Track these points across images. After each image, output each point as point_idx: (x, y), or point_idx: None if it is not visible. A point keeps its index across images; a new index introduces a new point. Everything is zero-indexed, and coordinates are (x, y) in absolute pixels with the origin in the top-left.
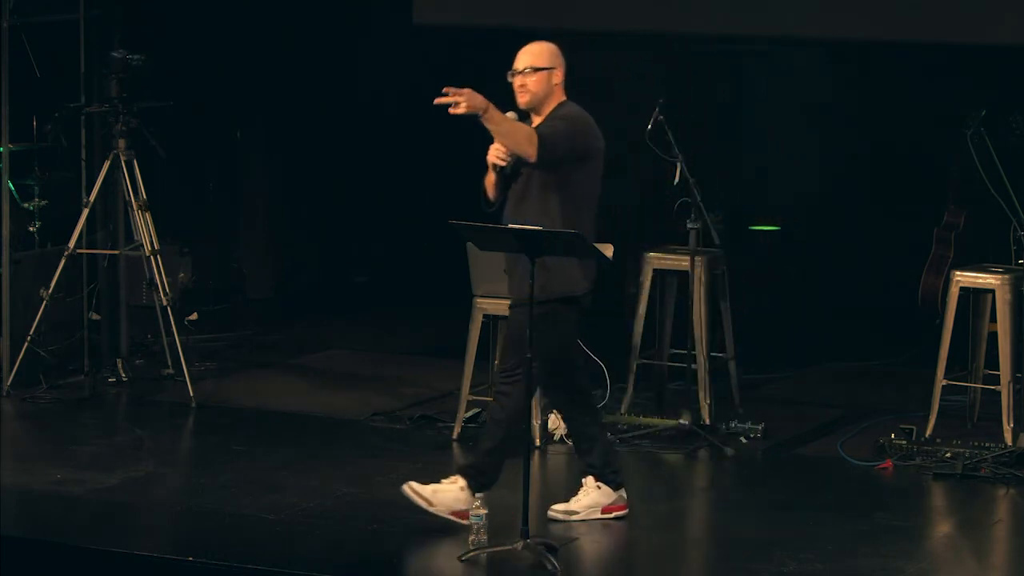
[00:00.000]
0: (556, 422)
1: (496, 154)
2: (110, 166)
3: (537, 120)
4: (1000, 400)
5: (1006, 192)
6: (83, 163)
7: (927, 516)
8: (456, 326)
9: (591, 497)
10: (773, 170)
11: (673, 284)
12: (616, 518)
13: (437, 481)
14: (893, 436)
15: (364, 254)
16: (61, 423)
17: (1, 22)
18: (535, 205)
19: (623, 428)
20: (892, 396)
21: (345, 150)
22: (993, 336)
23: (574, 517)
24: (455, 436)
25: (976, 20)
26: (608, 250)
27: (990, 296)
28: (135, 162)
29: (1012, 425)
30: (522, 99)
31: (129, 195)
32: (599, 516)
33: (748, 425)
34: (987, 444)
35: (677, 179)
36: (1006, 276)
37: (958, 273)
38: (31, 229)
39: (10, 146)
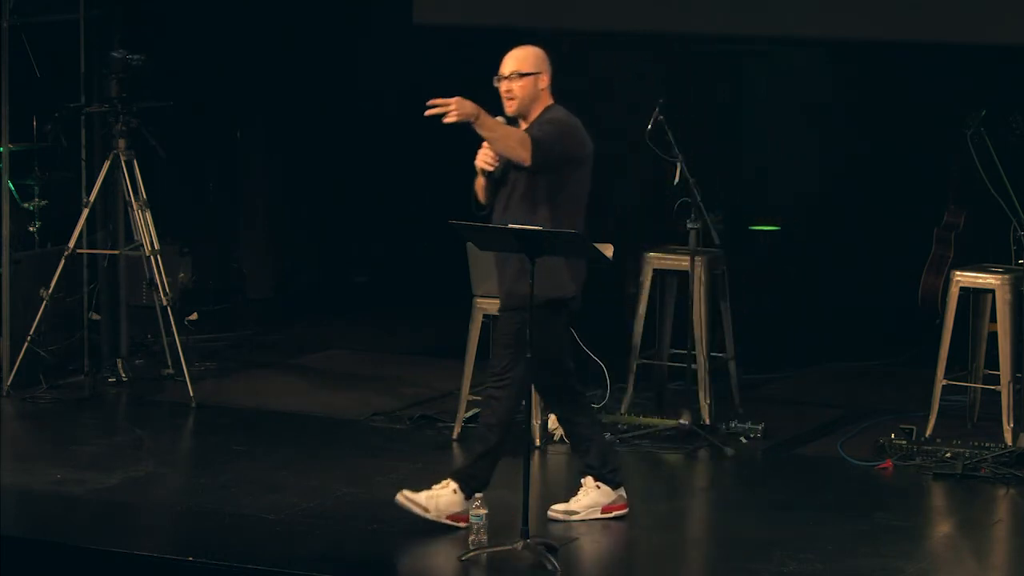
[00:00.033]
0: (556, 422)
1: (485, 159)
2: (110, 166)
3: (524, 125)
4: (1000, 400)
5: (1006, 192)
6: (83, 163)
7: (927, 516)
8: (456, 326)
9: (591, 497)
10: (773, 170)
11: (673, 284)
12: (616, 517)
13: (429, 487)
14: (893, 436)
15: (364, 254)
16: (61, 423)
17: (1, 22)
18: (525, 209)
19: (623, 428)
20: (892, 396)
21: (345, 150)
22: (993, 336)
23: (574, 517)
24: (455, 436)
25: (976, 20)
26: (608, 250)
27: (990, 296)
28: (135, 162)
29: (1012, 425)
30: (509, 107)
31: (129, 195)
32: (599, 516)
33: (748, 425)
34: (987, 444)
35: (677, 179)
36: (1006, 276)
37: (958, 273)
38: (31, 229)
39: (10, 146)
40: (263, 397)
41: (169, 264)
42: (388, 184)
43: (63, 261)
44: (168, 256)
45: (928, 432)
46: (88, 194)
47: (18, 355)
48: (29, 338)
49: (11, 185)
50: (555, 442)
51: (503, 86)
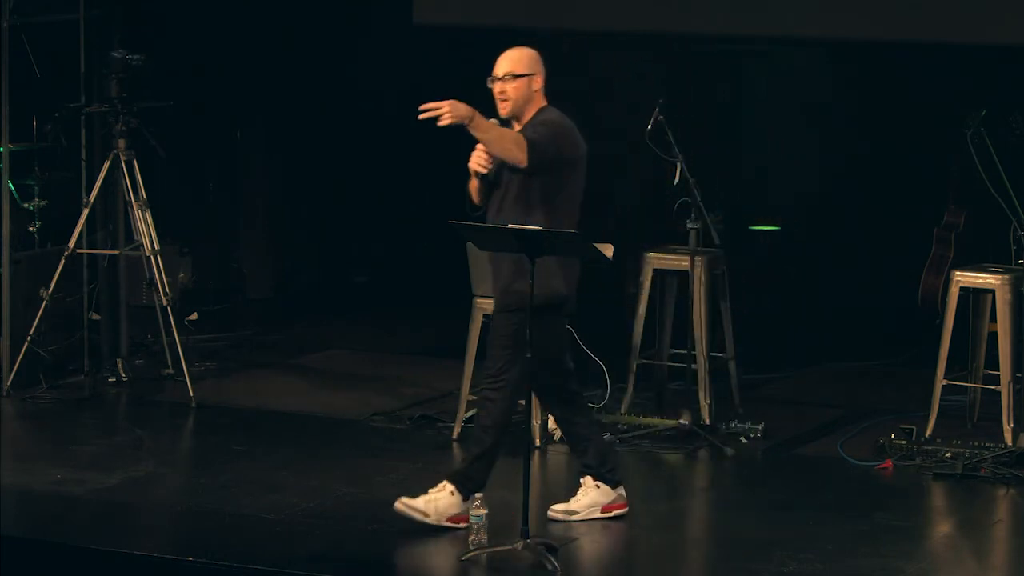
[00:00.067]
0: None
1: (478, 162)
2: (110, 166)
3: (517, 127)
4: (1000, 400)
5: (1006, 192)
6: (83, 163)
7: (927, 516)
8: (456, 326)
9: (590, 497)
10: (773, 170)
11: (673, 284)
12: (616, 517)
13: (430, 487)
14: (893, 436)
15: (364, 254)
16: (61, 423)
17: (1, 22)
18: (518, 211)
19: (623, 428)
20: (892, 396)
21: (345, 150)
22: (993, 336)
23: (574, 517)
24: (455, 436)
25: (976, 20)
26: (608, 250)
27: (990, 296)
28: (135, 162)
29: (1012, 425)
30: (503, 108)
31: (129, 195)
32: (599, 515)
33: (748, 425)
34: (987, 444)
35: (677, 179)
36: (1006, 276)
37: (958, 273)
38: (31, 229)
39: (10, 146)
40: (263, 397)
41: (169, 264)
42: (388, 184)
43: (63, 261)
44: (168, 256)
45: (928, 432)
46: (88, 194)
47: (18, 355)
48: (29, 338)
49: (11, 185)
50: (555, 442)
51: (497, 87)
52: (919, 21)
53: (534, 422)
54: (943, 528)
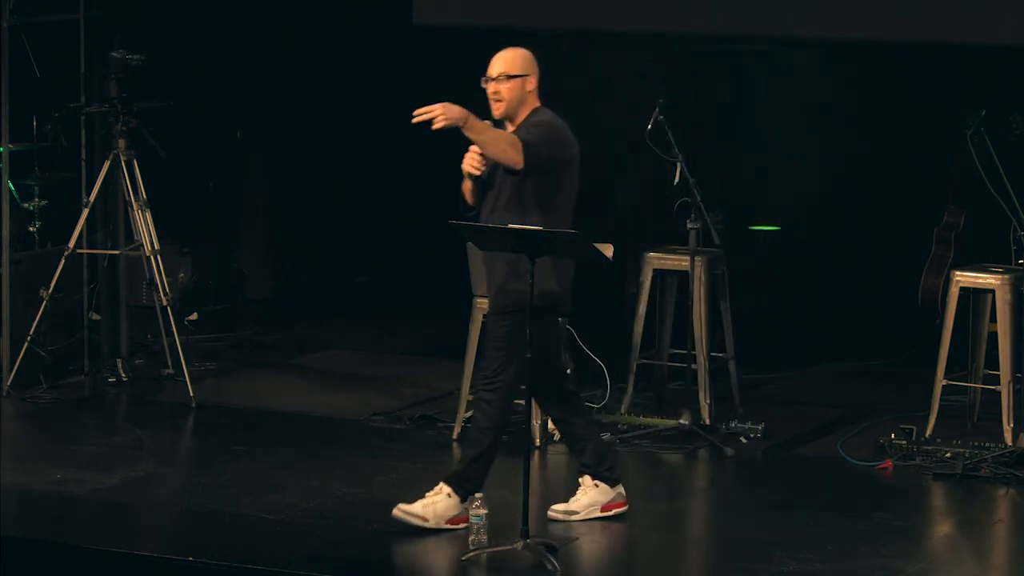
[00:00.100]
0: None
1: (471, 163)
2: (110, 166)
3: (511, 127)
4: (1000, 400)
5: (1006, 192)
6: (83, 163)
7: (927, 516)
8: (456, 326)
9: (589, 496)
10: (773, 170)
11: (673, 284)
12: (616, 515)
13: (430, 487)
14: (893, 436)
15: (364, 254)
16: (61, 423)
17: (1, 22)
18: (512, 212)
19: (623, 428)
20: (892, 396)
21: (345, 150)
22: (993, 336)
23: (574, 517)
24: (455, 436)
25: (976, 20)
26: (608, 250)
27: (990, 296)
28: (135, 162)
29: (1012, 425)
30: (497, 109)
31: (129, 195)
32: (599, 514)
33: (748, 425)
34: (987, 444)
35: (677, 179)
36: (1006, 276)
37: (958, 273)
38: (31, 229)
39: (10, 146)
40: (263, 397)
41: (169, 264)
42: (388, 184)
43: (63, 261)
44: (168, 256)
45: (928, 432)
46: (88, 194)
47: (18, 355)
48: (29, 338)
49: (11, 185)
50: (555, 442)
51: (490, 87)
52: (919, 21)
53: (534, 422)
54: (943, 528)
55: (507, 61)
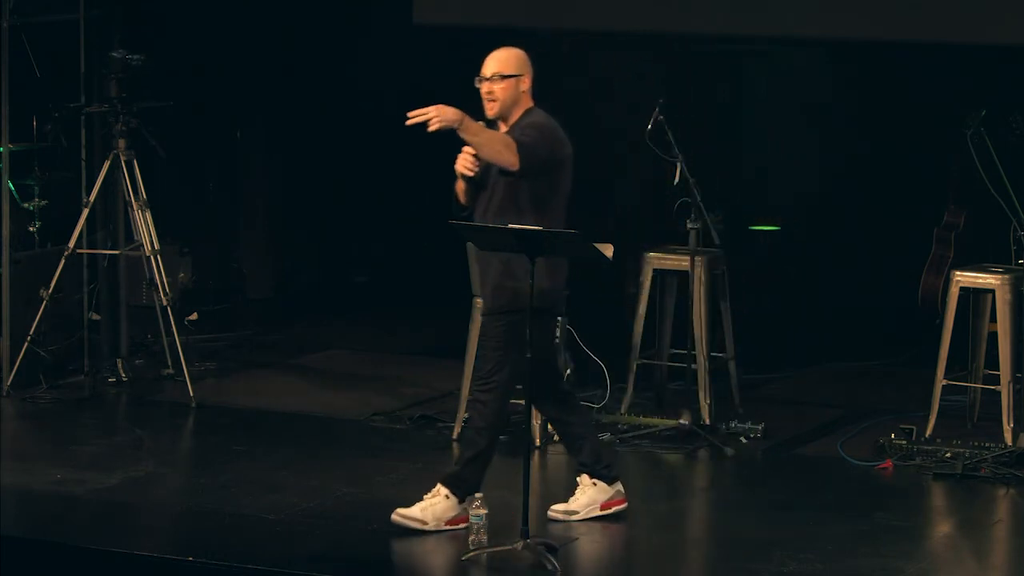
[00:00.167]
0: None
1: (464, 164)
2: (110, 166)
3: (504, 128)
4: (1000, 400)
5: (1006, 192)
6: (83, 163)
7: (927, 516)
8: (456, 326)
9: (588, 495)
10: (773, 170)
11: (673, 284)
12: (615, 513)
13: (430, 488)
14: (893, 436)
15: (364, 254)
16: (61, 423)
17: (1, 22)
18: (506, 213)
19: (623, 428)
20: (892, 396)
21: (345, 150)
22: (993, 336)
23: (574, 517)
24: (455, 436)
25: (976, 20)
26: (608, 250)
27: (990, 296)
28: (135, 162)
29: (1012, 425)
30: (490, 109)
31: (129, 195)
32: (598, 513)
33: (748, 425)
34: (987, 444)
35: (677, 179)
36: (1006, 276)
37: (958, 273)
38: (31, 229)
39: (10, 146)
40: (263, 397)
41: (169, 264)
42: (388, 184)
43: (63, 261)
44: (168, 256)
45: (928, 432)
46: (88, 194)
47: (18, 355)
48: (29, 338)
49: (11, 185)
50: (555, 442)
51: (484, 87)
52: (919, 21)
53: (534, 422)
54: (943, 528)
55: (501, 61)
